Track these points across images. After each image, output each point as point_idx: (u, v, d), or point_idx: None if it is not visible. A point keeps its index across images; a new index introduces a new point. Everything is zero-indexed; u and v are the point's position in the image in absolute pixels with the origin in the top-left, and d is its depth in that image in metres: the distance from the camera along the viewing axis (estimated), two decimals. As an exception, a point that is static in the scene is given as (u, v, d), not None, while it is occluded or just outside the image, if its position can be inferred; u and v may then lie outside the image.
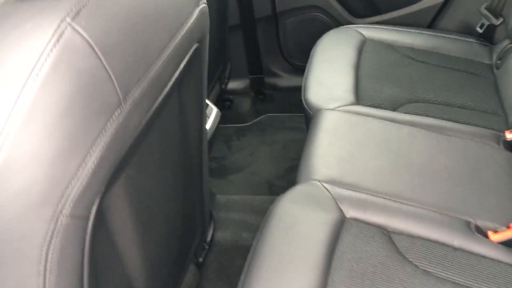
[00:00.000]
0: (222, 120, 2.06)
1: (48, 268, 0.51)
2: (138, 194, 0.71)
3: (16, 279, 0.51)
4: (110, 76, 0.49)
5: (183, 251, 1.07)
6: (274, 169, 1.86)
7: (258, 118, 2.13)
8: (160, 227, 0.84)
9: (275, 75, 2.09)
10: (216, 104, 2.00)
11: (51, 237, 0.49)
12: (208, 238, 1.26)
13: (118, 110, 0.52)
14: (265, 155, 1.96)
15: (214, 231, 1.36)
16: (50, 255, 0.50)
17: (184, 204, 0.99)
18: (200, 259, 1.24)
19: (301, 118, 1.51)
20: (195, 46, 0.77)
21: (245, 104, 2.15)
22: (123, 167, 0.61)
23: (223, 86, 1.97)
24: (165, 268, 0.92)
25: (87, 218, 0.53)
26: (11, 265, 0.50)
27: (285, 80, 2.08)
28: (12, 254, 0.49)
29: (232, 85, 2.10)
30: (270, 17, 1.95)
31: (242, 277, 0.92)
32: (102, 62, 0.48)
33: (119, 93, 0.51)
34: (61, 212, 0.49)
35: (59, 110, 0.46)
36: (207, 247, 1.26)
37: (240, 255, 1.38)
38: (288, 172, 1.85)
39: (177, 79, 0.71)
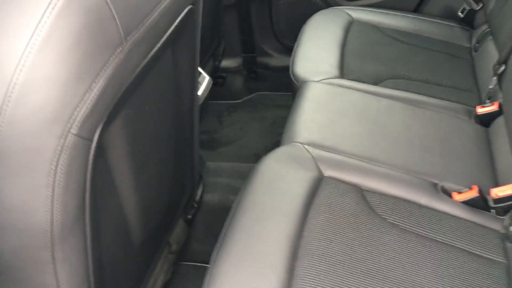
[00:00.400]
0: (215, 96, 2.15)
1: (56, 181, 0.59)
2: (134, 136, 0.80)
3: (28, 188, 0.59)
4: (114, 16, 0.58)
5: (173, 203, 1.16)
6: (262, 143, 1.95)
7: (250, 96, 2.21)
8: (152, 172, 0.93)
9: (267, 54, 2.17)
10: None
11: (60, 153, 0.58)
12: (197, 198, 1.35)
13: (120, 47, 0.60)
14: (254, 130, 2.05)
15: (203, 193, 1.45)
16: (58, 169, 0.59)
17: (175, 159, 1.08)
18: (189, 216, 1.33)
19: (290, 96, 1.60)
20: (189, 7, 0.86)
21: (238, 82, 2.24)
22: (122, 104, 0.70)
23: (217, 63, 2.06)
24: (157, 213, 1.00)
25: (91, 140, 0.61)
26: (25, 175, 0.58)
27: (277, 60, 2.16)
28: (26, 165, 0.58)
29: (226, 63, 2.18)
30: (264, -4, 2.03)
31: (226, 224, 1.01)
32: (107, 3, 0.56)
33: (121, 32, 0.59)
34: (69, 130, 0.57)
35: (70, 41, 0.54)
36: (195, 205, 1.35)
37: (227, 216, 1.47)
38: (275, 146, 1.90)
39: (172, 35, 0.80)
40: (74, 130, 0.58)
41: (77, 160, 0.61)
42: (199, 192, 1.36)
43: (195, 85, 1.09)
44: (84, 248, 0.69)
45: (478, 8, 1.65)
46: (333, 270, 0.92)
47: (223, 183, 1.59)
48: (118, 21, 0.58)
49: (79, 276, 0.71)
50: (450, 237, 1.01)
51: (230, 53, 2.16)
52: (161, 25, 0.71)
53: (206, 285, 0.90)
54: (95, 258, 0.73)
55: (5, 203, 0.60)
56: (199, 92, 1.35)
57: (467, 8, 1.69)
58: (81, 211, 0.65)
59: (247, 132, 2.05)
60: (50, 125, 0.56)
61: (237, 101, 2.19)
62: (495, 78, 1.30)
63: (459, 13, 1.71)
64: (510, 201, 1.05)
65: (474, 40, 1.66)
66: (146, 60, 0.70)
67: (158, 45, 0.73)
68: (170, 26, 0.76)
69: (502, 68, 1.23)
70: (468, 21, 1.72)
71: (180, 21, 0.82)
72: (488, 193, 1.09)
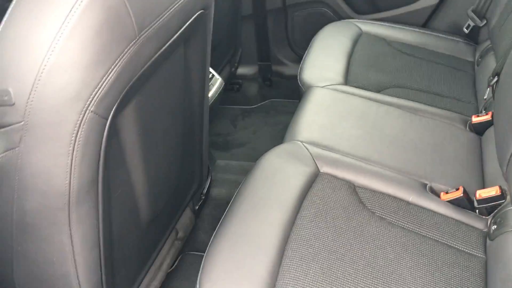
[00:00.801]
0: (230, 101, 2.27)
1: (75, 151, 0.70)
2: (144, 122, 0.91)
3: (51, 156, 0.70)
4: (130, 14, 0.69)
5: (181, 191, 1.26)
6: (272, 146, 2.03)
7: (263, 102, 2.31)
8: (160, 157, 1.04)
9: (281, 63, 2.27)
10: (225, 86, 2.21)
11: (80, 126, 0.69)
12: (205, 191, 1.45)
13: (134, 41, 0.71)
14: (266, 134, 2.14)
15: (211, 187, 1.55)
16: (77, 141, 0.70)
17: (183, 150, 1.19)
18: (196, 207, 1.43)
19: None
20: (200, 11, 0.97)
21: (253, 89, 2.34)
22: (135, 91, 0.80)
23: (233, 70, 2.17)
24: (164, 195, 1.11)
25: (106, 118, 0.72)
26: (49, 144, 0.69)
27: (291, 69, 2.26)
28: (51, 135, 0.69)
29: (242, 70, 2.29)
30: (280, 9, 2.14)
31: (226, 211, 1.11)
32: (125, 3, 0.68)
33: (135, 28, 0.70)
34: (88, 107, 0.68)
35: (92, 33, 0.65)
36: (203, 197, 1.45)
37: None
38: (285, 150, 2.03)
39: (182, 35, 0.91)
40: (92, 108, 0.69)
41: (93, 135, 0.71)
42: (207, 185, 1.45)
43: (205, 85, 1.20)
44: (96, 215, 0.80)
45: (482, 24, 1.73)
46: (320, 254, 1.00)
47: (231, 179, 1.69)
48: (133, 18, 0.69)
49: (91, 240, 0.82)
50: (434, 232, 1.09)
51: (247, 61, 2.28)
52: (172, 25, 0.82)
53: (203, 262, 1.00)
54: (105, 226, 0.84)
55: (31, 168, 0.71)
56: (211, 93, 1.46)
57: (472, 24, 1.76)
58: (95, 181, 0.76)
59: (259, 136, 2.15)
60: (73, 102, 0.67)
61: (251, 106, 2.30)
62: (489, 89, 1.37)
63: (464, 29, 1.79)
64: (493, 202, 1.12)
65: (477, 55, 1.73)
66: (157, 55, 0.81)
67: (169, 42, 0.84)
68: (181, 27, 0.87)
69: (495, 79, 1.30)
70: (473, 37, 1.80)
71: (191, 23, 0.93)
72: (474, 195, 1.16)
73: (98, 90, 0.68)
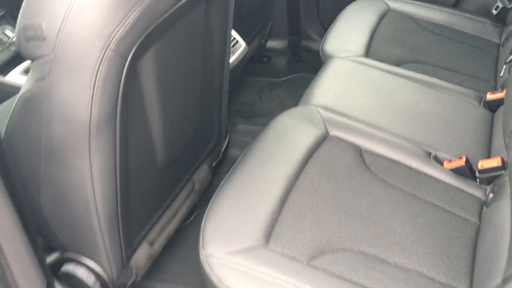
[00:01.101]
0: (259, 73, 2.34)
1: (96, 84, 0.80)
2: (163, 70, 0.99)
3: (76, 87, 0.80)
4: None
5: (198, 145, 1.35)
6: (295, 117, 2.10)
7: (291, 76, 2.37)
8: (177, 106, 1.12)
9: (311, 38, 2.32)
10: (254, 57, 2.28)
11: (101, 62, 0.78)
12: (223, 149, 1.54)
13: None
14: (290, 107, 2.17)
15: (229, 148, 1.63)
16: (99, 75, 0.79)
17: (202, 106, 1.27)
18: (214, 164, 1.52)
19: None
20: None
21: (281, 62, 2.40)
22: (153, 39, 0.89)
23: (262, 42, 2.23)
24: (180, 142, 1.20)
25: (126, 57, 0.81)
26: (74, 76, 0.79)
27: (320, 44, 2.30)
28: (76, 69, 0.78)
29: (272, 43, 2.35)
30: (312, -15, 2.18)
31: (237, 161, 1.19)
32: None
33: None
34: (109, 45, 0.77)
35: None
36: (221, 155, 1.54)
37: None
38: (306, 121, 2.09)
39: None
40: (113, 46, 0.78)
41: (113, 71, 0.80)
42: (224, 144, 1.54)
43: (226, 47, 1.27)
44: (113, 147, 0.89)
45: (511, 6, 1.72)
46: (318, 205, 1.07)
47: (250, 142, 1.77)
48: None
49: (108, 170, 0.92)
50: (432, 196, 1.14)
51: (277, 35, 2.33)
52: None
53: (210, 203, 1.08)
54: (122, 159, 0.94)
55: (58, 97, 0.81)
56: (234, 56, 1.53)
57: (500, 5, 1.76)
58: (113, 114, 0.85)
59: (283, 107, 2.17)
60: (96, 39, 0.76)
61: (279, 79, 2.36)
62: (505, 67, 1.39)
63: (493, 11, 1.79)
64: (493, 172, 1.15)
65: (503, 37, 1.73)
66: (176, 6, 0.89)
67: (185, -1, 0.92)
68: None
69: (511, 57, 1.32)
70: (501, 19, 1.79)
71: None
72: (477, 166, 1.20)
73: (118, 30, 0.77)
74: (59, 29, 0.75)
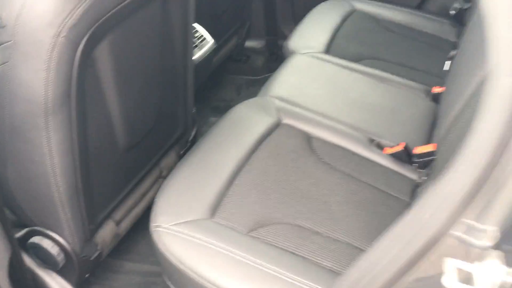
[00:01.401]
0: (238, 71, 2.45)
1: (51, 67, 0.90)
2: (119, 59, 1.09)
3: (32, 70, 0.91)
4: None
5: (163, 132, 1.45)
6: (268, 113, 2.21)
7: (268, 74, 2.47)
8: (136, 94, 1.22)
9: (288, 39, 2.42)
10: (233, 56, 2.39)
11: (54, 47, 0.89)
12: (190, 138, 1.64)
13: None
14: (265, 103, 2.31)
15: (198, 137, 1.74)
16: (52, 59, 0.90)
17: (164, 94, 1.36)
18: (181, 152, 1.63)
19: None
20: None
21: (259, 61, 2.51)
22: (107, 29, 1.00)
23: (240, 41, 2.34)
24: (142, 130, 1.30)
25: (78, 43, 0.92)
26: (31, 60, 0.90)
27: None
28: (32, 52, 0.89)
29: (251, 43, 2.46)
30: (288, -14, 2.29)
31: (194, 145, 1.30)
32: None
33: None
34: (60, 32, 0.88)
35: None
36: (189, 144, 1.65)
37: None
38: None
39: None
40: (64, 33, 0.89)
41: (65, 56, 0.91)
42: (192, 133, 1.64)
43: (188, 41, 1.38)
44: (70, 125, 1.00)
45: (467, 6, 1.83)
46: (263, 184, 1.18)
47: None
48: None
49: (65, 146, 1.02)
50: (370, 178, 1.24)
51: (255, 35, 2.44)
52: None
53: (164, 182, 1.19)
54: (80, 137, 1.04)
55: (18, 79, 0.92)
56: (201, 51, 1.64)
57: (458, 6, 1.87)
58: (68, 95, 0.96)
59: (259, 104, 2.32)
60: (48, 27, 0.87)
61: (257, 77, 2.47)
62: (448, 62, 1.49)
63: (451, 11, 1.89)
64: (427, 157, 1.25)
65: (460, 36, 1.84)
66: (126, 2, 1.00)
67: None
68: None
69: (454, 52, 1.42)
70: (459, 19, 1.90)
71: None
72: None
73: (68, 19, 0.88)
74: (16, 18, 0.86)
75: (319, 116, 1.40)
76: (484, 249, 0.52)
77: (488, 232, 0.53)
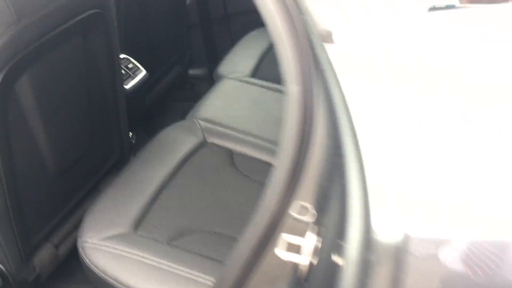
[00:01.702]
0: (183, 98, 2.57)
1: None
2: (43, 92, 1.19)
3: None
4: (7, 3, 0.99)
5: (97, 158, 1.54)
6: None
7: (212, 100, 2.60)
8: (63, 123, 1.31)
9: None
10: (178, 85, 2.52)
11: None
12: (129, 162, 1.74)
13: (13, 25, 1.01)
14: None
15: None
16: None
17: (94, 123, 1.45)
18: (121, 173, 1.71)
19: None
20: (94, 10, 1.27)
21: (203, 88, 2.63)
22: (26, 65, 1.10)
23: (182, 70, 2.47)
24: (72, 156, 1.39)
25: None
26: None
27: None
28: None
29: (195, 71, 2.60)
30: (224, 18, 2.45)
31: (124, 167, 1.40)
32: (4, -2, 0.98)
33: (14, 14, 1.00)
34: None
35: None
36: (127, 166, 1.74)
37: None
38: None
39: (74, 28, 1.20)
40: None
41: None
42: (131, 157, 1.74)
43: (116, 73, 1.49)
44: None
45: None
46: (185, 198, 1.28)
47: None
48: (11, 7, 1.00)
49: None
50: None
51: (198, 63, 2.58)
52: (56, 17, 1.13)
53: (95, 200, 1.28)
54: (5, 163, 1.12)
55: None
56: (134, 81, 1.75)
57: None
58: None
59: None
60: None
61: (201, 103, 2.59)
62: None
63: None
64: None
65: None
66: (43, 39, 1.11)
67: (56, 31, 1.14)
68: (68, 21, 1.17)
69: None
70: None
71: (83, 20, 1.23)
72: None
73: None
74: None
75: (241, 134, 1.52)
76: (307, 224, 0.64)
77: (309, 209, 0.65)
